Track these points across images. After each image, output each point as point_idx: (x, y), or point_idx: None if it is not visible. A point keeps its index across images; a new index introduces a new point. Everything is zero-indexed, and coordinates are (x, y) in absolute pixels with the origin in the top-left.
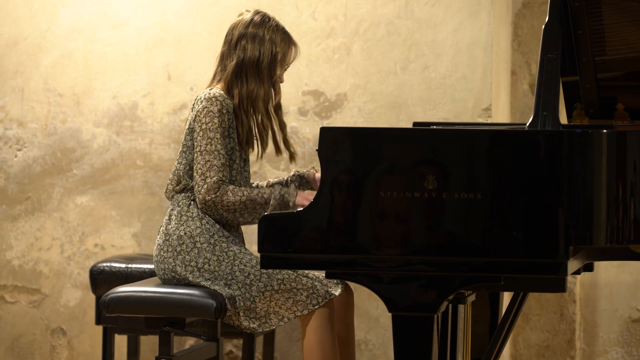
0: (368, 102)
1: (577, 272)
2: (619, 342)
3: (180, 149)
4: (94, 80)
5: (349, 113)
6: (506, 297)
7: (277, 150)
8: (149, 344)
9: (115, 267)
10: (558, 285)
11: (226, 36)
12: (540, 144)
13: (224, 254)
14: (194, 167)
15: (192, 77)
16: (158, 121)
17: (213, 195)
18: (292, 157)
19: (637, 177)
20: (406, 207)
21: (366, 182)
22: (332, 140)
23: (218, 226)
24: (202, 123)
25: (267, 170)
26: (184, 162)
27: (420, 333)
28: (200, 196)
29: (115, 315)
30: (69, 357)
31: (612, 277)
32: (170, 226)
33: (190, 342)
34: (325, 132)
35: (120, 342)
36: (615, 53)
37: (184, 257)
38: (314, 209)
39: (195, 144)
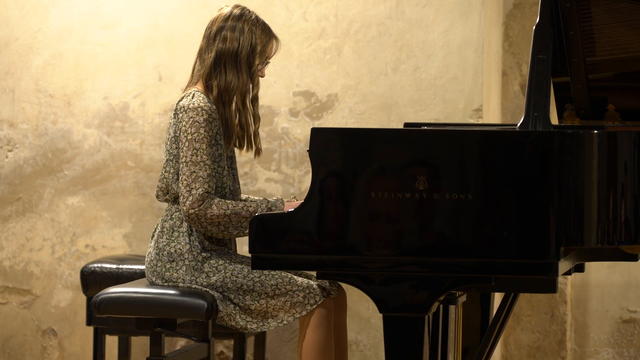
0: (359, 103)
1: (568, 273)
2: (610, 342)
3: (167, 157)
4: (85, 81)
5: (340, 114)
6: (497, 298)
7: (241, 143)
8: (140, 344)
9: (106, 267)
10: (549, 286)
11: (205, 31)
12: (531, 145)
13: (214, 269)
14: (180, 178)
15: (183, 77)
16: (149, 122)
17: (197, 209)
18: (257, 152)
19: (628, 177)
20: (397, 207)
21: (357, 182)
22: (323, 141)
23: (207, 242)
24: (188, 133)
25: (258, 171)
26: (172, 172)
27: (411, 334)
28: (185, 208)
29: (106, 316)
30: (59, 358)
31: (603, 277)
32: (161, 240)
33: (181, 342)
34: (316, 132)
35: (111, 343)
36: (606, 54)
37: (172, 274)
38: (304, 209)
39: (181, 154)
